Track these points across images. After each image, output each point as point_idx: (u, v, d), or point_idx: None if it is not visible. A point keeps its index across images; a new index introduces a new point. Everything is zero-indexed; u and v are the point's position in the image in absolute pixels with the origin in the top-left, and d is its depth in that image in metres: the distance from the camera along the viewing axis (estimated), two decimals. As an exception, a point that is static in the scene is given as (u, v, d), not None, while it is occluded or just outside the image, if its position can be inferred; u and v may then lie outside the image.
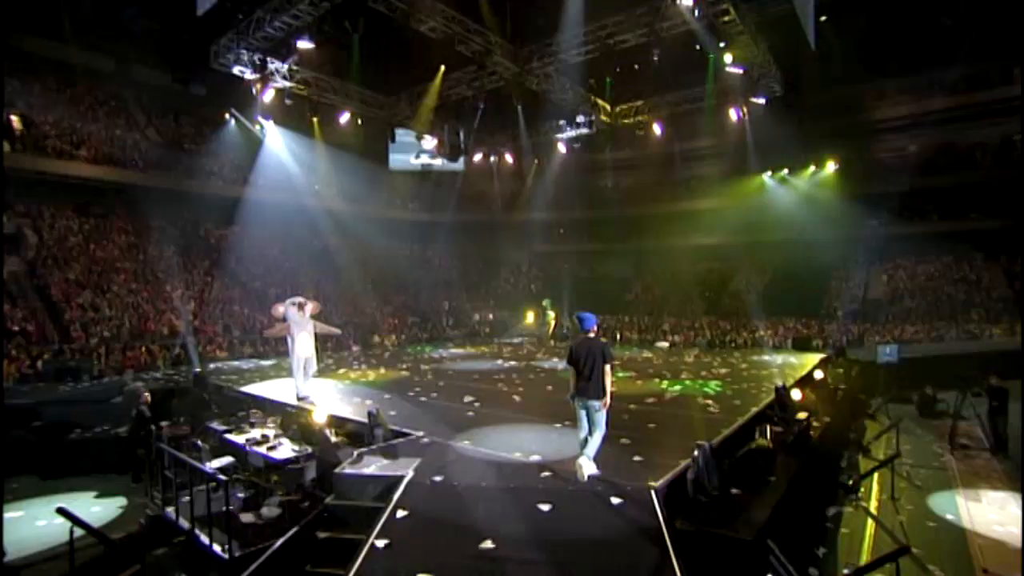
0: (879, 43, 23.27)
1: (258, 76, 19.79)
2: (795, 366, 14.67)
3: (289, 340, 9.69)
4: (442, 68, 22.65)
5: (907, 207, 24.69)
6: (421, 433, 7.70)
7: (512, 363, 15.52)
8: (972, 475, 9.65)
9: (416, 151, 27.28)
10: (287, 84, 21.40)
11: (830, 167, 26.36)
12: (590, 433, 6.01)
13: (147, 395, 9.35)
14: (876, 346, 15.71)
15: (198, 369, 12.48)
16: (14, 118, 22.80)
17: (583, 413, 6.02)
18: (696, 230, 29.20)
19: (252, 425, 8.54)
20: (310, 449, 7.54)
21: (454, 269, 33.21)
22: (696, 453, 5.96)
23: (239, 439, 7.91)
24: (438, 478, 6.08)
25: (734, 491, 6.14)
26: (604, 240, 32.35)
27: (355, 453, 6.85)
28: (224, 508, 5.90)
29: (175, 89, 24.21)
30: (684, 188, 31.03)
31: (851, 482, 8.99)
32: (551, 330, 26.39)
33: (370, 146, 27.83)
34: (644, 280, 31.80)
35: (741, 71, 18.89)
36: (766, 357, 17.10)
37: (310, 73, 22.34)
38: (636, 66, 23.09)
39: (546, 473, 6.16)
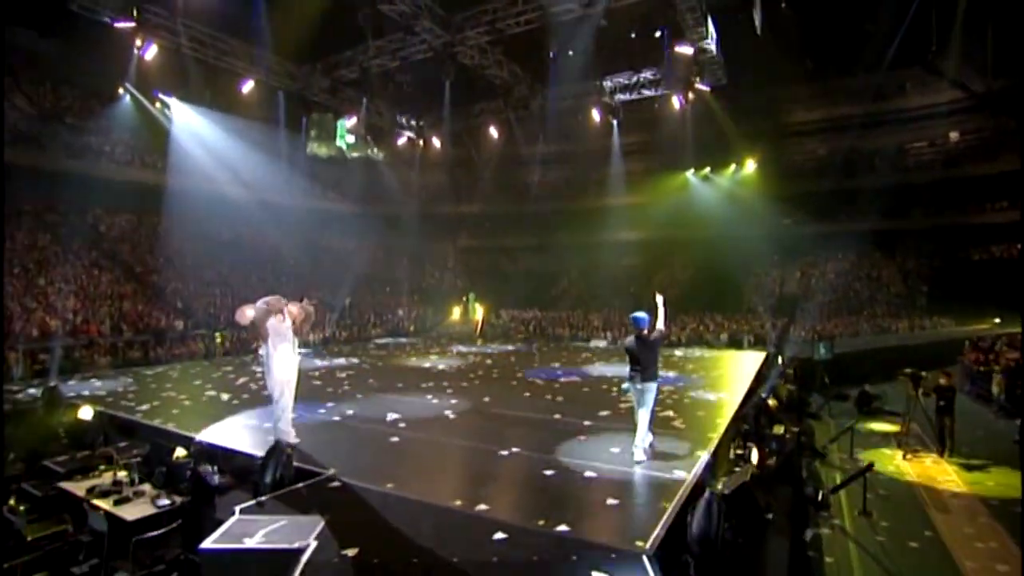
0: (806, 44, 23.05)
1: (131, 25, 15.82)
2: (737, 364, 13.76)
3: (264, 356, 6.22)
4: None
5: (818, 208, 24.82)
6: (331, 471, 5.71)
7: (444, 364, 13.59)
8: (929, 479, 8.84)
9: (333, 134, 24.32)
10: (174, 40, 17.45)
11: (750, 166, 26.14)
12: (642, 415, 6.23)
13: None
14: (813, 343, 15.09)
15: (52, 383, 9.70)
16: None
17: (638, 397, 6.25)
18: (622, 226, 28.40)
19: (106, 464, 6.19)
20: (178, 500, 5.40)
21: (377, 263, 30.64)
22: (703, 502, 4.40)
23: (78, 488, 5.59)
24: (350, 552, 4.15)
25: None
26: (532, 234, 30.92)
27: (236, 511, 4.81)
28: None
29: (53, 54, 20.39)
30: (613, 183, 30.12)
31: (820, 497, 7.84)
32: (479, 327, 24.64)
33: (285, 125, 24.70)
34: (571, 275, 30.67)
35: (691, 50, 17.53)
36: (704, 354, 16.17)
37: (204, 30, 18.37)
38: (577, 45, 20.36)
39: (499, 535, 4.38)
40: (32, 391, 9.99)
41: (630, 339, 6.33)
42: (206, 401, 9.59)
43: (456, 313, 28.45)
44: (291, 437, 6.29)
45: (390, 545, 4.30)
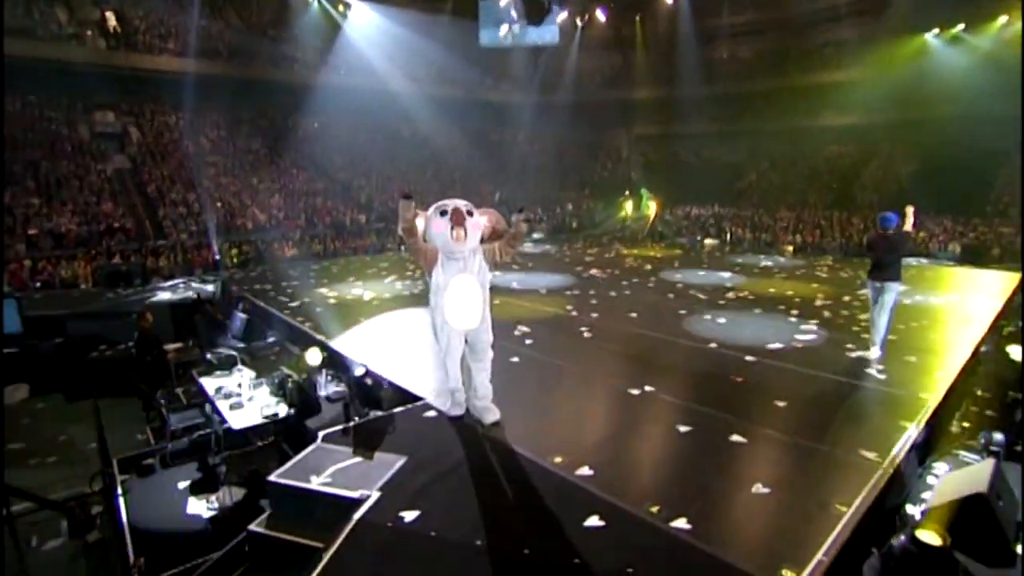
0: None
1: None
2: (974, 288, 10.33)
3: (431, 283, 4.28)
4: None
5: None
6: (426, 399, 5.02)
7: (594, 271, 12.28)
8: None
9: (501, 18, 22.60)
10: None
11: (1027, 16, 18.80)
12: (879, 315, 6.00)
13: (148, 316, 7.43)
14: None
15: (221, 280, 10.46)
16: (109, 15, 21.31)
17: (876, 296, 6.00)
18: (827, 108, 23.11)
19: (239, 362, 6.29)
20: (289, 411, 5.18)
21: (546, 155, 29.26)
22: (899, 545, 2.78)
23: (210, 385, 5.69)
24: (409, 516, 3.39)
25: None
26: (716, 120, 26.66)
27: (319, 437, 4.37)
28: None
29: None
30: (815, 57, 24.38)
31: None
32: (649, 224, 22.51)
33: (456, 14, 23.72)
34: (759, 167, 26.26)
35: None
36: (925, 271, 12.55)
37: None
38: None
39: (594, 520, 3.26)
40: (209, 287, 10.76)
41: (872, 235, 6.19)
42: (351, 300, 9.58)
43: (627, 208, 26.39)
44: (452, 406, 4.67)
45: (459, 510, 3.46)
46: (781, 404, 4.87)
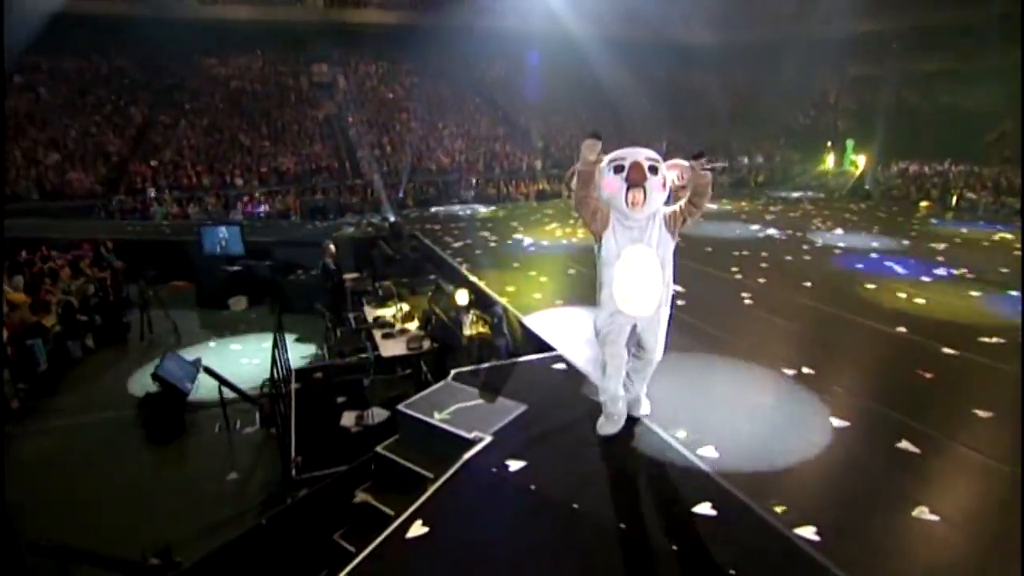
0: None
1: None
2: None
3: (599, 253, 3.32)
4: None
5: None
6: (558, 351, 4.96)
7: (771, 231, 10.95)
8: None
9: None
10: None
11: None
12: None
13: (331, 247, 8.40)
14: None
15: (392, 218, 11.33)
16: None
17: None
18: None
19: (401, 296, 6.83)
20: (433, 345, 5.53)
21: (738, 101, 26.47)
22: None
23: (370, 315, 6.28)
24: (514, 465, 3.41)
25: None
26: (959, 55, 21.51)
27: (451, 373, 4.58)
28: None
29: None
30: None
31: None
32: (852, 181, 19.30)
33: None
34: (1016, 115, 20.71)
35: None
36: None
37: None
38: None
39: (704, 507, 2.96)
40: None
41: None
42: (510, 245, 9.80)
43: (828, 162, 22.93)
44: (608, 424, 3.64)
45: (565, 469, 3.39)
46: (983, 415, 3.89)
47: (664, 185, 3.11)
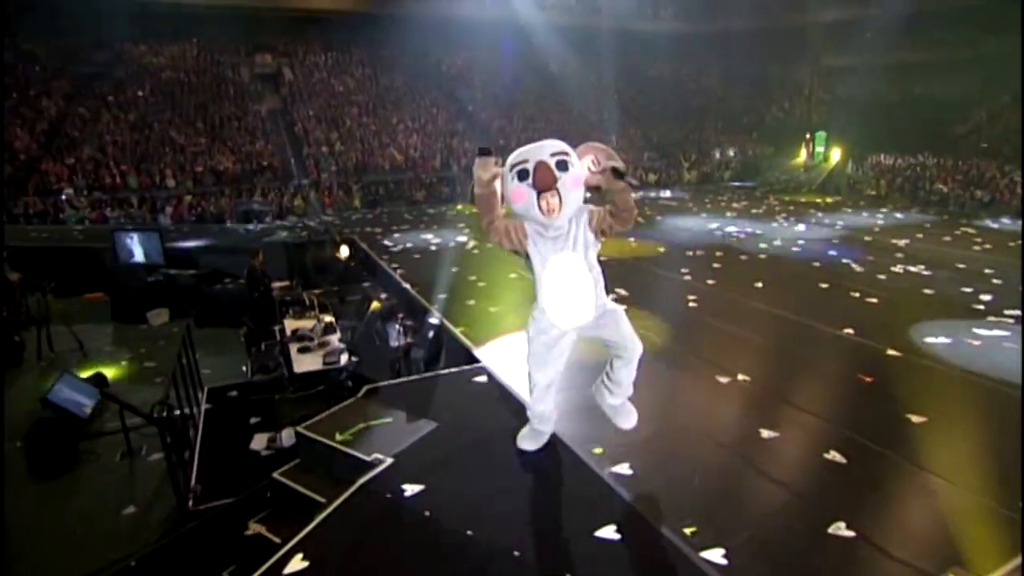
0: None
1: None
2: None
3: (532, 263, 3.04)
4: None
5: None
6: (482, 363, 4.88)
7: (731, 229, 11.06)
8: None
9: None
10: None
11: None
12: None
13: (259, 254, 8.18)
14: None
15: (328, 223, 11.12)
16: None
17: None
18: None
19: (327, 306, 6.68)
20: (351, 360, 5.39)
21: (708, 93, 26.90)
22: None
23: (289, 327, 6.11)
24: (411, 490, 3.30)
25: None
26: (933, 46, 22.23)
27: (363, 391, 4.46)
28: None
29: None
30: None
31: None
32: (823, 176, 19.71)
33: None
34: (991, 106, 21.53)
35: None
36: None
37: None
38: None
39: (608, 531, 2.89)
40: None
41: None
42: (453, 247, 9.70)
43: (802, 156, 23.43)
44: (538, 412, 3.50)
45: (464, 492, 3.29)
46: (917, 420, 3.94)
47: (578, 182, 2.85)
